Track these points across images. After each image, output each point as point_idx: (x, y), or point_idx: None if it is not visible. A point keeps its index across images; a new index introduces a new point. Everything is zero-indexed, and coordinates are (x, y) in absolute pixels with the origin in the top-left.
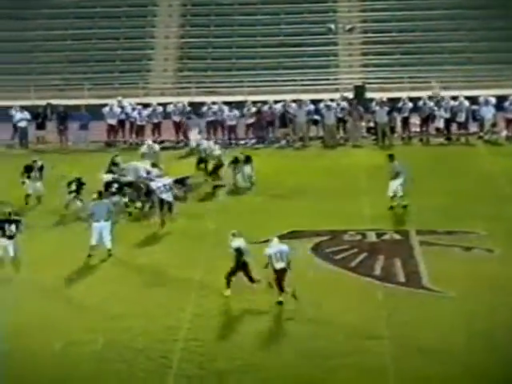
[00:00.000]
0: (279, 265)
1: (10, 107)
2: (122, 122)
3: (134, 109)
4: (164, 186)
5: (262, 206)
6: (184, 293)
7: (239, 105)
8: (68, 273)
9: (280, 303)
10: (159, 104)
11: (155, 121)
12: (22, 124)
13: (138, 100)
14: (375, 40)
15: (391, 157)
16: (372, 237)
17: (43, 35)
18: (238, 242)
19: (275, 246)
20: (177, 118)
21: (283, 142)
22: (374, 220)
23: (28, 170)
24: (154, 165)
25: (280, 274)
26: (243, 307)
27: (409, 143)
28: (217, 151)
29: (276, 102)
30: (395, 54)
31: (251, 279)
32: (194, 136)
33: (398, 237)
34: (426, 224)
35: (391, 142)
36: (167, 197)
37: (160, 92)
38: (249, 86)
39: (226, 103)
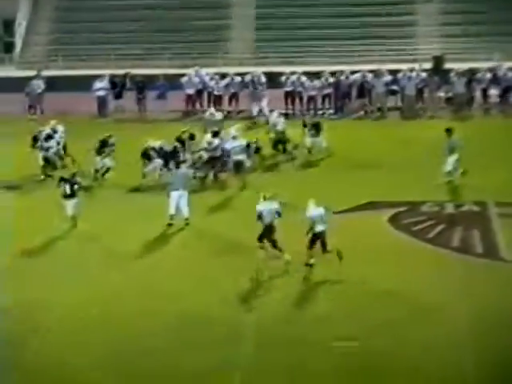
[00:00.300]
0: (320, 227)
1: (91, 77)
2: (199, 92)
3: (211, 78)
4: (237, 146)
5: (339, 177)
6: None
7: (317, 75)
8: (145, 242)
9: (310, 266)
10: (237, 74)
11: (232, 91)
12: (101, 93)
13: (216, 70)
14: (454, 10)
15: (449, 131)
16: (450, 208)
17: (117, 5)
18: (263, 206)
19: (314, 209)
20: (251, 89)
21: (361, 113)
22: (451, 191)
23: (103, 145)
24: (216, 133)
25: (320, 237)
26: (309, 277)
27: (487, 115)
28: (280, 125)
29: (354, 72)
30: (475, 24)
31: (274, 245)
32: (258, 107)
33: (476, 208)
34: (504, 196)
35: (469, 114)
36: (240, 157)
37: (238, 62)
38: (327, 56)
39: (304, 73)
